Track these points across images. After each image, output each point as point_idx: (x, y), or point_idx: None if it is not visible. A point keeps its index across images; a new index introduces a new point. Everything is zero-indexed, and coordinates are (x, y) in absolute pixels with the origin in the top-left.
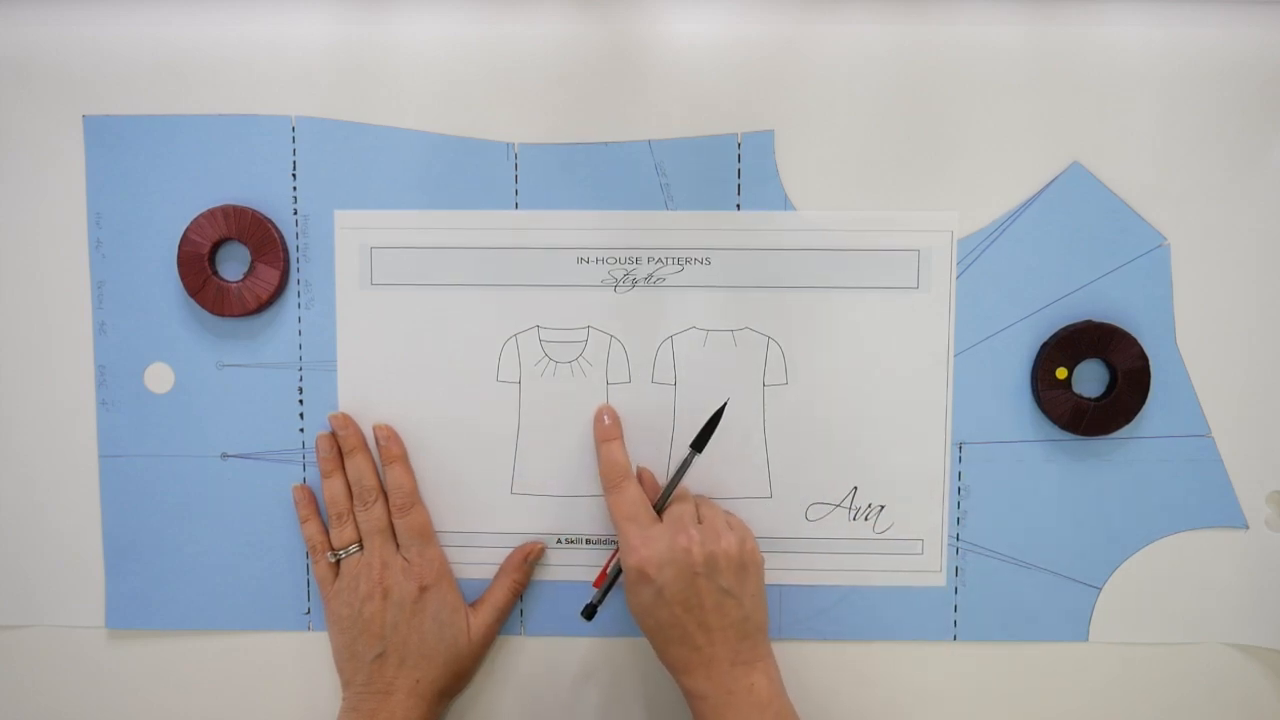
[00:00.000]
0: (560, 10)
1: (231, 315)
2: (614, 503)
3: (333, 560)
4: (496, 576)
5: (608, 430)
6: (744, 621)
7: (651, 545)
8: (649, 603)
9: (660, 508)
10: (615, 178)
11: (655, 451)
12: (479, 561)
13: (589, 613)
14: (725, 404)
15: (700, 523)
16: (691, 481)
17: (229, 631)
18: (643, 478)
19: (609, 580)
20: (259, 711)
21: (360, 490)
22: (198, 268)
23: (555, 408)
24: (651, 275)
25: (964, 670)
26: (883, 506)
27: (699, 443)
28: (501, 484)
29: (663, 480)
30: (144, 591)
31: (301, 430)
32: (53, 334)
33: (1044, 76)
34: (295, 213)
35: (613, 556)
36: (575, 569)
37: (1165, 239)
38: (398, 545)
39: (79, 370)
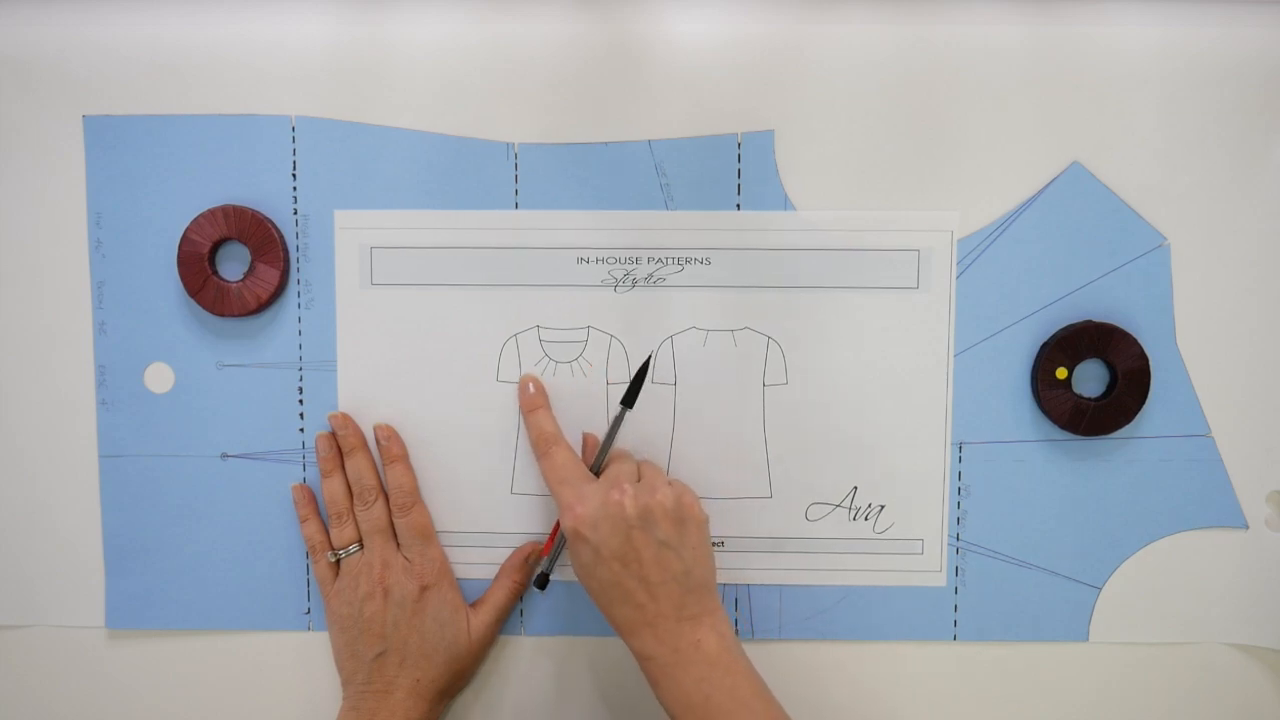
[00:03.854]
0: (560, 10)
1: (231, 315)
2: (545, 468)
3: (333, 560)
4: (497, 577)
5: (533, 399)
6: (685, 576)
7: (585, 503)
8: (589, 562)
9: (597, 469)
10: (615, 178)
11: (655, 451)
12: (479, 561)
13: (541, 582)
14: (651, 356)
15: (639, 481)
16: (691, 482)
17: (229, 631)
18: (587, 442)
19: (556, 547)
20: (259, 711)
21: (360, 490)
22: (198, 268)
23: (555, 408)
24: (651, 275)
25: (964, 670)
26: (883, 506)
27: (629, 399)
28: (501, 484)
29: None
30: (144, 591)
31: (301, 430)
32: (53, 334)
33: (1044, 76)
34: (295, 213)
35: (558, 525)
36: None
37: (1165, 239)
38: (398, 545)
39: (79, 370)
